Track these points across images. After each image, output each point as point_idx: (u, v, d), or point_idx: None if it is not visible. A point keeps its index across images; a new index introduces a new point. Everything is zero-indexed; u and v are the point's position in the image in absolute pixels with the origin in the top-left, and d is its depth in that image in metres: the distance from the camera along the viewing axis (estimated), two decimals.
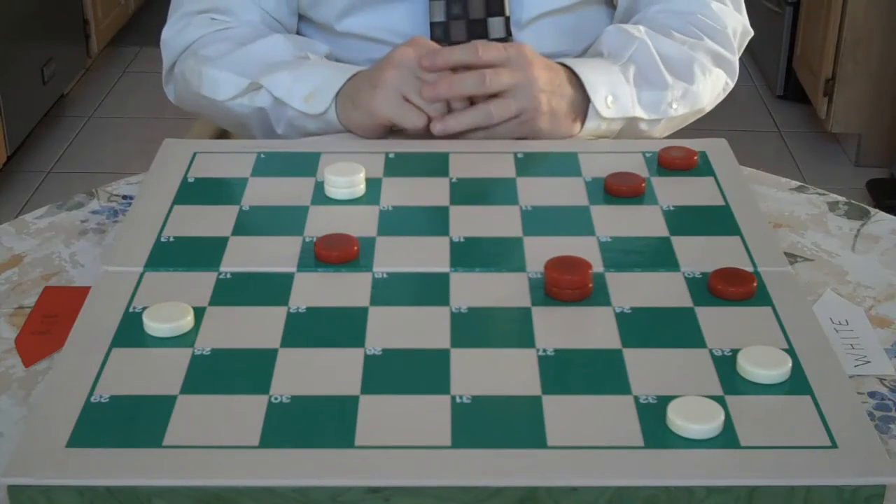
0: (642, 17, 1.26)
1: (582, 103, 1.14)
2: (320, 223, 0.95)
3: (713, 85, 1.22)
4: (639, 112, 1.16)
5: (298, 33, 1.31)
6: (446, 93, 1.09)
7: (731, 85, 1.26)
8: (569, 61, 1.15)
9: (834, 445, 0.70)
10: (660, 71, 1.17)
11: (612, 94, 1.14)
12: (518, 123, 1.10)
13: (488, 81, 1.08)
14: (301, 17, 1.30)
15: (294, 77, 1.16)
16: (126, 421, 0.72)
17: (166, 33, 1.27)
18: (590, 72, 1.14)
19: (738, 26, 1.27)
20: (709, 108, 1.24)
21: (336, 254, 0.89)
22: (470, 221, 0.95)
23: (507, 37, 1.23)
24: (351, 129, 1.14)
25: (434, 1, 1.21)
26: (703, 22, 1.24)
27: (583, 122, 1.14)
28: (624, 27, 1.20)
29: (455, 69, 1.10)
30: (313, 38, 1.29)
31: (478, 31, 1.22)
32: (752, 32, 1.30)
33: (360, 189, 0.99)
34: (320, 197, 0.99)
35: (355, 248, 0.89)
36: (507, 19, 1.22)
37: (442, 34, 1.22)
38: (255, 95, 1.18)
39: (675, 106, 1.18)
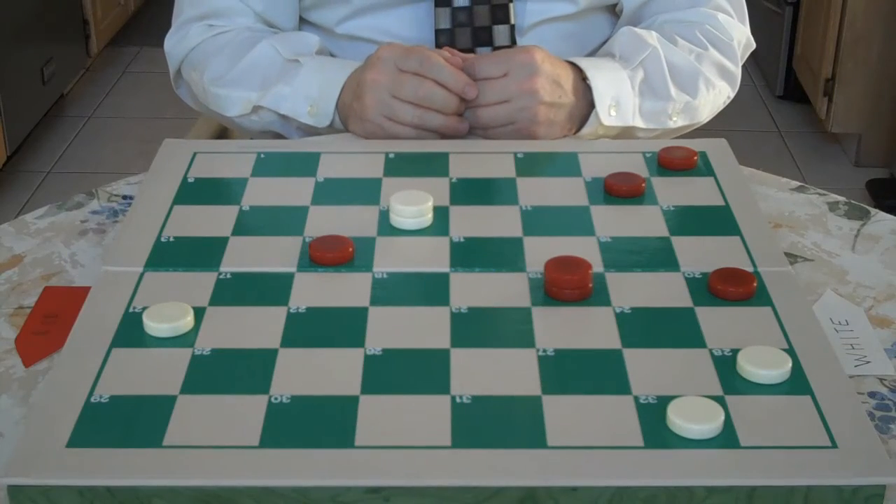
0: (648, 25, 1.25)
1: (582, 110, 1.14)
2: (320, 223, 0.95)
3: (714, 99, 1.22)
4: (638, 122, 1.16)
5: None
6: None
7: (732, 96, 1.26)
8: (583, 63, 1.15)
9: (834, 445, 0.70)
10: (665, 82, 1.17)
11: (617, 103, 1.14)
12: (514, 130, 1.11)
13: (480, 100, 1.10)
14: (301, 20, 1.30)
15: (292, 90, 1.16)
16: (126, 421, 0.72)
17: (167, 43, 1.29)
18: (599, 77, 1.14)
19: (743, 38, 1.27)
20: (706, 121, 1.24)
21: (331, 255, 0.88)
22: (470, 221, 0.95)
23: (512, 44, 1.23)
24: (357, 134, 1.14)
25: (439, 7, 1.21)
26: (711, 33, 1.24)
27: (580, 127, 1.15)
28: (638, 31, 1.19)
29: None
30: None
31: (483, 38, 1.22)
32: (754, 45, 1.30)
33: (428, 218, 0.96)
34: (320, 197, 0.99)
35: (350, 249, 0.89)
36: (513, 27, 1.22)
37: (447, 41, 1.21)
38: (262, 112, 1.19)
39: (674, 118, 1.18)
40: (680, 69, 1.19)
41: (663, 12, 1.26)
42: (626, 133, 1.17)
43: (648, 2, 1.26)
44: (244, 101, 1.19)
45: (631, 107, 1.15)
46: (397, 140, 1.11)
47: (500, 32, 1.22)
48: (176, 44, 1.27)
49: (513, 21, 1.22)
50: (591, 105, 1.14)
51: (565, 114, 1.13)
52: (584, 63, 1.15)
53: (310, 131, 1.18)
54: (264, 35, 1.23)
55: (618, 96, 1.14)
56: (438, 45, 1.21)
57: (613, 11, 1.29)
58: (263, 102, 1.17)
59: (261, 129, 1.22)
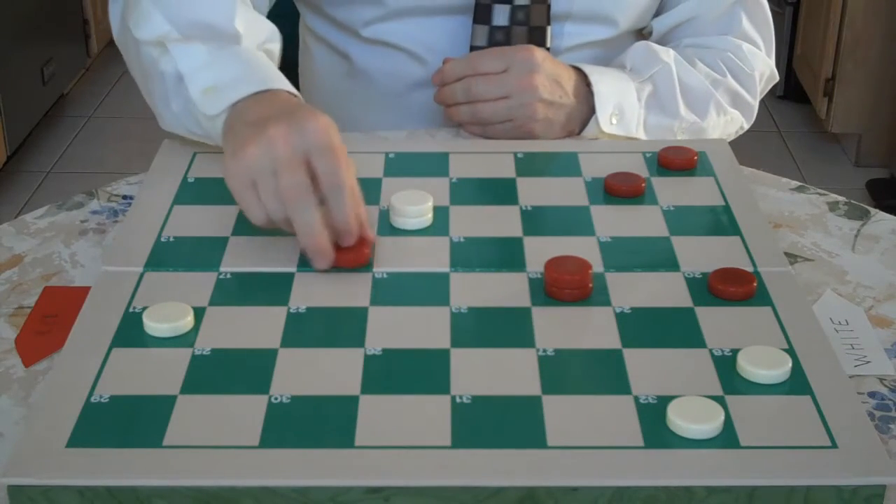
0: (674, 48, 1.24)
1: (583, 114, 1.14)
2: None
3: (725, 126, 1.21)
4: (640, 134, 1.15)
5: (314, 30, 1.27)
6: (439, 100, 1.12)
7: (746, 127, 1.24)
8: (587, 68, 1.15)
9: (834, 445, 0.70)
10: (675, 99, 1.16)
11: (619, 111, 1.13)
12: (512, 127, 1.11)
13: (474, 91, 1.10)
14: (315, 9, 1.25)
15: (211, 57, 0.99)
16: (126, 421, 0.72)
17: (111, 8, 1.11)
18: (603, 83, 1.14)
19: (766, 70, 1.25)
20: None
21: (348, 257, 0.87)
22: (470, 221, 0.95)
23: None
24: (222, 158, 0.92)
25: (477, 24, 1.18)
26: (732, 61, 1.22)
27: (581, 130, 1.14)
28: (653, 46, 1.18)
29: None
30: (328, 38, 1.25)
31: None
32: (777, 78, 1.28)
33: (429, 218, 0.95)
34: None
35: (366, 250, 0.88)
36: (548, 50, 1.19)
37: None
38: (164, 55, 1.02)
39: (679, 136, 1.17)
40: (692, 89, 1.18)
41: (688, 37, 1.25)
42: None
43: (677, 27, 1.25)
44: (159, 28, 1.02)
45: (635, 118, 1.15)
46: (397, 140, 1.11)
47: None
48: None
49: (548, 45, 1.19)
50: (593, 111, 1.14)
51: (564, 114, 1.13)
52: (589, 68, 1.15)
53: (190, 112, 1.01)
54: None
55: (621, 105, 1.14)
56: None
57: (641, 35, 1.28)
58: (171, 45, 1.01)
59: (150, 71, 1.04)
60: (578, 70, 1.15)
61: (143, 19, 1.04)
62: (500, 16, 1.17)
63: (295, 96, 0.97)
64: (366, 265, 0.88)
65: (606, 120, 1.13)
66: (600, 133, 1.14)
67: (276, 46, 1.08)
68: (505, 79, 1.10)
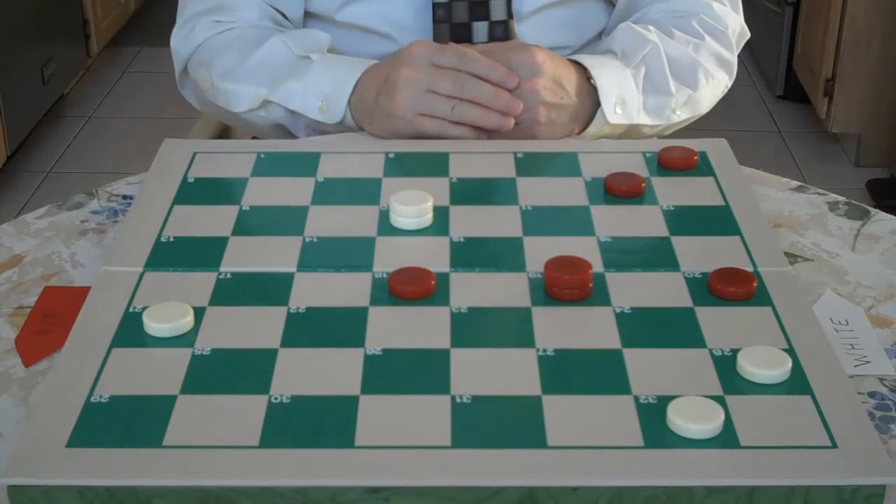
0: (644, 14, 1.26)
1: (586, 111, 1.14)
2: (320, 223, 0.95)
3: (714, 89, 1.22)
4: (643, 119, 1.16)
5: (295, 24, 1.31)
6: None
7: (730, 85, 1.26)
8: (587, 62, 1.15)
9: (834, 445, 0.70)
10: (666, 77, 1.17)
11: (622, 101, 1.14)
12: (515, 130, 1.11)
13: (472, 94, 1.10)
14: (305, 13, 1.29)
15: (303, 86, 1.15)
16: (126, 421, 0.72)
17: (174, 40, 1.28)
18: (604, 76, 1.14)
19: (737, 26, 1.27)
20: (707, 111, 1.24)
21: (412, 289, 0.85)
22: (470, 221, 0.95)
23: (509, 19, 1.22)
24: (373, 132, 1.13)
25: None
26: (707, 22, 1.24)
27: (585, 127, 1.15)
28: (636, 28, 1.19)
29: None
30: (308, 26, 1.28)
31: (480, 12, 1.22)
32: (748, 34, 1.30)
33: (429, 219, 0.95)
34: (320, 197, 0.99)
35: (432, 282, 0.85)
36: (509, 2, 1.22)
37: (445, 15, 1.22)
38: (270, 108, 1.18)
39: (678, 112, 1.18)
40: (680, 62, 1.19)
41: (658, 1, 1.26)
42: (632, 131, 1.17)
43: None
44: (253, 97, 1.18)
45: (636, 104, 1.15)
46: (397, 140, 1.11)
47: (497, 7, 1.22)
48: (182, 40, 1.26)
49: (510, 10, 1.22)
50: (596, 105, 1.14)
51: (567, 115, 1.13)
52: (589, 62, 1.15)
53: (318, 128, 1.18)
54: (273, 31, 1.23)
55: (623, 94, 1.14)
56: (436, 19, 1.21)
57: (610, 0, 1.30)
58: (273, 97, 1.17)
59: (268, 125, 1.21)
60: (578, 65, 1.15)
61: (230, 98, 1.20)
62: None
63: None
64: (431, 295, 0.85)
65: (611, 110, 1.14)
66: (606, 126, 1.14)
67: (329, 41, 1.21)
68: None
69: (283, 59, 1.18)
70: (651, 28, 1.20)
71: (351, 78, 1.14)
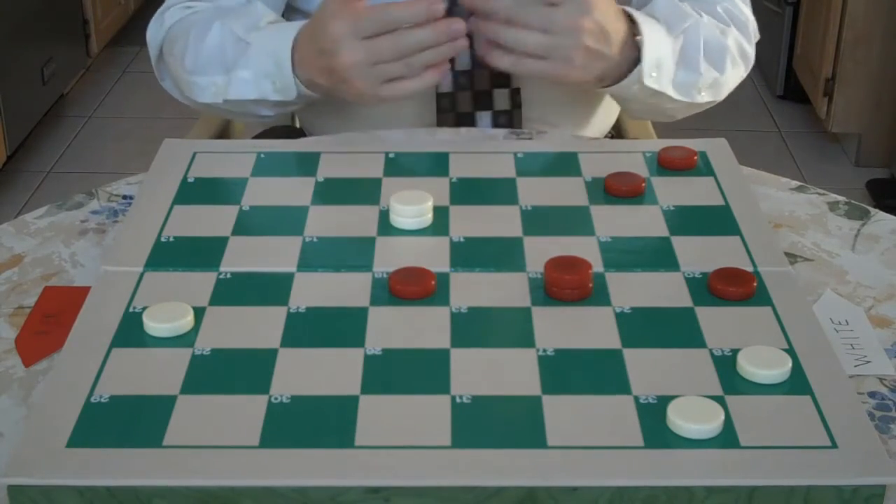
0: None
1: (620, 68, 1.11)
2: (320, 223, 0.95)
3: (736, 77, 1.21)
4: (670, 91, 1.14)
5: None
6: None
7: (745, 76, 1.24)
8: (639, 17, 1.12)
9: (834, 445, 0.70)
10: (699, 55, 1.16)
11: (658, 66, 1.12)
12: (545, 66, 1.07)
13: (514, 14, 1.05)
14: (289, 7, 1.27)
15: (251, 72, 1.13)
16: (126, 421, 0.72)
17: (149, 30, 1.27)
18: (651, 38, 1.11)
19: (754, 24, 1.26)
20: (722, 99, 1.23)
21: (412, 289, 0.85)
22: (470, 221, 0.95)
23: None
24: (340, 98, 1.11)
25: None
26: (730, 11, 1.23)
27: (615, 82, 1.12)
28: (675, 0, 1.17)
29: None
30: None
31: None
32: (759, 35, 1.29)
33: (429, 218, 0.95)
34: (320, 197, 0.99)
35: (432, 282, 0.86)
36: None
37: None
38: (231, 103, 1.17)
39: (703, 93, 1.17)
40: (711, 44, 1.17)
41: None
42: (653, 104, 1.15)
43: None
44: (213, 88, 1.17)
45: (669, 74, 1.14)
46: (398, 140, 1.11)
47: None
48: (156, 29, 1.25)
49: None
50: (632, 63, 1.11)
51: (602, 66, 1.09)
52: (640, 17, 1.12)
53: (283, 104, 1.17)
54: (219, 14, 1.19)
55: (661, 60, 1.13)
56: None
57: None
58: (231, 94, 1.15)
59: (236, 111, 1.20)
60: (628, 16, 1.12)
61: (196, 90, 1.19)
62: None
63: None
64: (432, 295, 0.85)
65: (648, 73, 1.11)
66: (635, 86, 1.12)
67: (270, 14, 1.19)
68: (553, 13, 1.05)
69: (227, 44, 1.16)
70: (687, 5, 1.18)
71: (285, 54, 1.12)
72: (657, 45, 1.12)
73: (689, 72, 1.16)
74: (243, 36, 1.15)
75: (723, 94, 1.21)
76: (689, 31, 1.16)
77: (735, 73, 1.21)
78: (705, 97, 1.18)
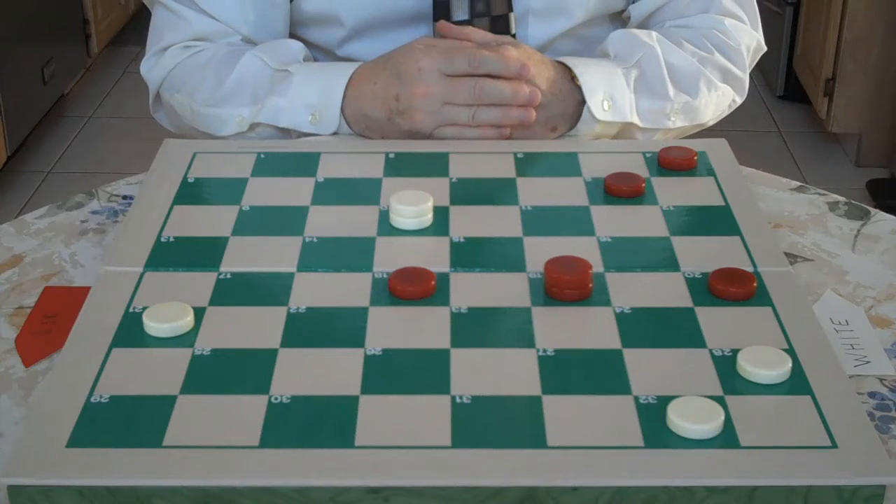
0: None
1: (567, 110, 1.13)
2: (320, 223, 0.95)
3: (717, 101, 1.21)
4: (635, 119, 1.15)
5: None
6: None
7: (739, 102, 1.24)
8: (569, 61, 1.14)
9: (834, 445, 0.70)
10: (664, 80, 1.16)
11: (610, 98, 1.13)
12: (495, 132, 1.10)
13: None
14: (294, 37, 1.26)
15: (288, 101, 1.12)
16: (126, 421, 0.72)
17: (143, 68, 1.24)
18: (588, 73, 1.13)
19: (753, 42, 1.25)
20: (711, 123, 1.22)
21: (412, 289, 0.85)
22: (470, 221, 0.95)
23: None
24: (373, 136, 1.12)
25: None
26: (718, 38, 1.22)
27: (572, 126, 1.14)
28: (633, 31, 1.18)
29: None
30: (314, 57, 1.25)
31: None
32: (765, 48, 1.28)
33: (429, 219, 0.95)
34: (320, 197, 0.99)
35: (432, 282, 0.86)
36: (514, 37, 1.19)
37: None
38: (259, 129, 1.14)
39: (673, 119, 1.17)
40: (679, 69, 1.17)
41: (670, 19, 1.25)
42: (626, 133, 1.16)
43: (657, 11, 1.25)
44: (237, 119, 1.14)
45: (627, 103, 1.14)
46: (397, 140, 1.11)
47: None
48: (153, 67, 1.23)
49: (513, 32, 1.20)
50: (582, 104, 1.13)
51: (543, 115, 1.11)
52: (572, 61, 1.14)
53: (311, 137, 1.16)
54: (246, 48, 1.19)
55: (611, 92, 1.13)
56: None
57: (620, 19, 1.28)
58: (260, 118, 1.13)
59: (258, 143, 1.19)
60: (562, 65, 1.14)
61: (214, 123, 1.16)
62: (460, 11, 1.17)
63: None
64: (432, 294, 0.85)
65: (598, 106, 1.12)
66: (598, 125, 1.13)
67: (303, 50, 1.19)
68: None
69: (261, 75, 1.15)
70: (653, 34, 1.18)
71: (338, 86, 1.12)
72: (602, 80, 1.13)
73: (654, 99, 1.16)
74: (282, 66, 1.14)
75: (702, 119, 1.20)
76: (644, 59, 1.16)
77: (714, 97, 1.20)
78: (678, 122, 1.17)
